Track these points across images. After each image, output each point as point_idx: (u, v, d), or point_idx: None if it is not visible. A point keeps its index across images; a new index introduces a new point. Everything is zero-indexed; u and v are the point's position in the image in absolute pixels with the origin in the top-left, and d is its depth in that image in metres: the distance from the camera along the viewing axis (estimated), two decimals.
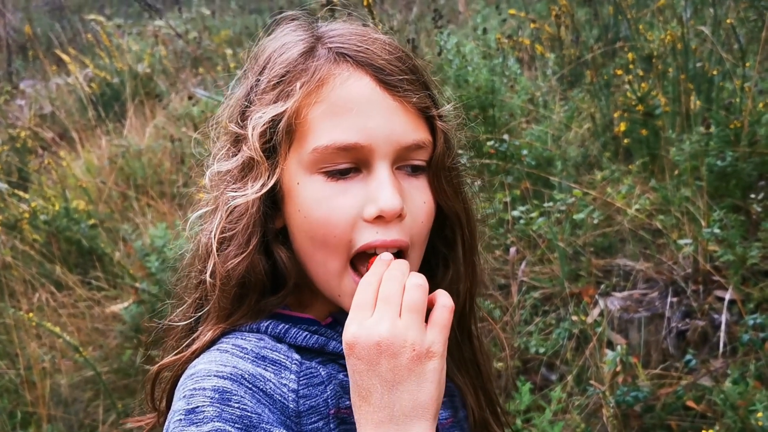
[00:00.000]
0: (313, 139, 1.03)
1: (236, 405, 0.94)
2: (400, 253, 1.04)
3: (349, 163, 1.03)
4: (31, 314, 3.77)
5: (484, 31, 5.38)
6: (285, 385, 1.00)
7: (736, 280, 3.21)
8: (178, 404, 0.95)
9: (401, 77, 1.04)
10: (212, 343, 1.05)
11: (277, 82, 1.06)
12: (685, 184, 3.64)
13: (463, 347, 1.19)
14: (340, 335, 0.96)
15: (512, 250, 3.54)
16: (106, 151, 6.26)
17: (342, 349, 0.96)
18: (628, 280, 3.49)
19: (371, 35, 1.09)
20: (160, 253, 4.13)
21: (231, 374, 0.97)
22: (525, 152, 3.99)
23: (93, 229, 4.92)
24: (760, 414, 2.57)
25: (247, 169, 1.07)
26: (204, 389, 0.95)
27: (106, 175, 5.84)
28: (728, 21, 4.25)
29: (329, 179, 1.03)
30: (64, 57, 7.34)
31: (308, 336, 1.05)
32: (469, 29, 6.52)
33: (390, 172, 1.03)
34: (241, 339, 1.04)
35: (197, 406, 0.93)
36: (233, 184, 1.07)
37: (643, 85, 4.11)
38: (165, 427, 0.96)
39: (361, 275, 1.02)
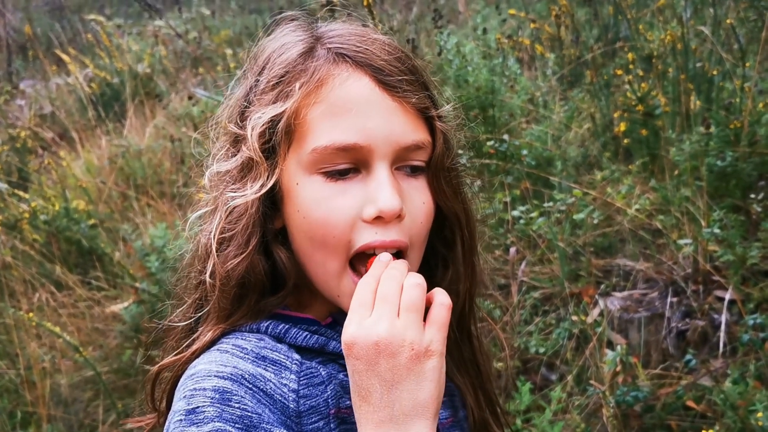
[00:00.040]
0: (313, 140, 1.03)
1: (237, 405, 0.94)
2: (399, 254, 1.04)
3: (349, 164, 1.03)
4: (31, 314, 3.77)
5: (484, 31, 5.38)
6: (285, 385, 1.00)
7: (736, 280, 3.21)
8: (179, 404, 0.95)
9: (400, 78, 1.04)
10: (212, 343, 1.05)
11: (277, 83, 1.06)
12: (685, 184, 3.64)
13: (463, 347, 1.19)
14: (340, 335, 0.96)
15: (512, 250, 3.54)
16: (106, 151, 6.26)
17: (342, 348, 0.96)
18: (628, 280, 3.49)
19: (370, 35, 1.09)
20: (160, 253, 4.13)
21: (231, 374, 0.97)
22: (525, 152, 3.99)
23: (93, 229, 4.92)
24: (760, 414, 2.57)
25: (247, 169, 1.06)
26: (204, 389, 0.95)
27: (106, 175, 5.85)
28: (728, 21, 4.25)
29: (328, 180, 1.03)
30: (64, 57, 7.34)
31: (308, 336, 1.05)
32: (469, 29, 6.52)
33: (389, 172, 1.03)
34: (241, 339, 1.04)
35: (198, 407, 0.93)
36: (232, 184, 1.07)
37: (643, 85, 4.11)
38: (165, 427, 0.96)
39: (360, 275, 1.02)
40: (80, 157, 6.35)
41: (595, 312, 3.31)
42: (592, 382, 2.99)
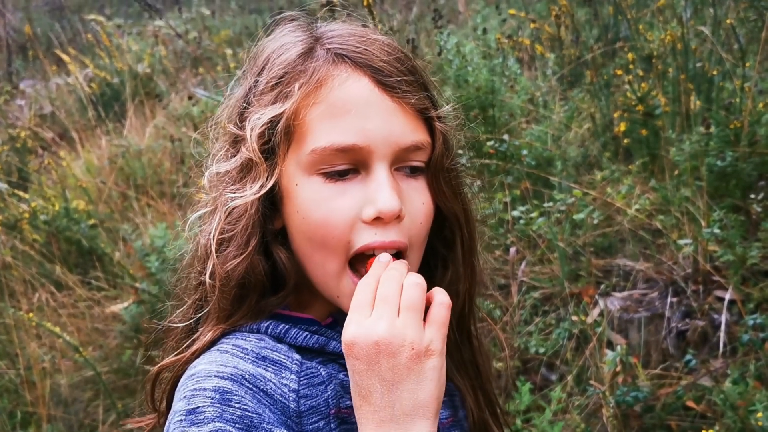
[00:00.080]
0: (312, 141, 1.02)
1: (237, 405, 0.94)
2: (399, 255, 1.04)
3: (348, 165, 1.03)
4: (31, 314, 3.77)
5: (484, 31, 5.38)
6: (285, 385, 1.00)
7: (736, 280, 3.21)
8: (179, 405, 0.95)
9: (400, 78, 1.04)
10: (212, 343, 1.05)
11: (276, 83, 1.06)
12: (685, 184, 3.64)
13: (462, 348, 1.19)
14: (341, 335, 0.96)
15: (512, 250, 3.54)
16: (106, 151, 6.26)
17: (342, 349, 0.96)
18: (628, 280, 3.49)
19: (370, 36, 1.08)
20: (160, 253, 4.13)
21: (231, 374, 0.97)
22: (525, 152, 3.99)
23: (93, 229, 4.92)
24: (760, 414, 2.57)
25: (246, 170, 1.06)
26: (205, 390, 0.95)
27: (106, 175, 5.85)
28: (728, 21, 4.25)
29: (328, 180, 1.03)
30: (64, 57, 7.34)
31: (308, 336, 1.05)
32: (469, 29, 6.52)
33: (388, 173, 1.03)
34: (242, 339, 1.04)
35: (198, 407, 0.93)
36: (232, 185, 1.07)
37: (643, 85, 4.11)
38: (165, 427, 0.96)
39: (360, 276, 1.02)
40: (80, 157, 6.35)
41: (595, 312, 3.31)
42: (592, 382, 2.99)
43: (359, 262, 1.04)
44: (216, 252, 1.06)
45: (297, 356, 1.03)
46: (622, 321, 3.32)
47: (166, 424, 0.96)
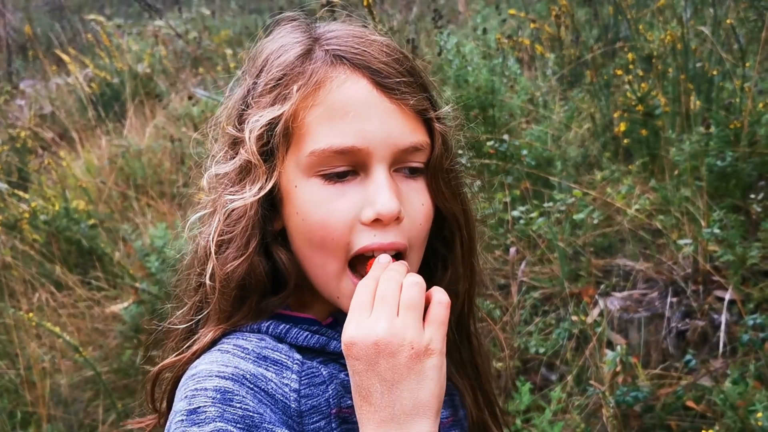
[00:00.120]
0: (311, 143, 1.02)
1: (238, 405, 0.94)
2: (398, 256, 1.04)
3: (347, 166, 1.03)
4: (31, 314, 3.77)
5: (484, 31, 5.38)
6: (286, 384, 1.00)
7: (736, 280, 3.21)
8: (180, 405, 0.95)
9: (399, 79, 1.04)
10: (213, 343, 1.05)
11: (274, 85, 1.06)
12: (685, 184, 3.64)
13: (462, 348, 1.19)
14: (341, 335, 0.96)
15: (512, 250, 3.54)
16: (106, 151, 6.26)
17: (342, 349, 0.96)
18: (628, 280, 3.49)
19: (369, 37, 1.08)
20: (160, 253, 4.13)
21: (232, 374, 0.97)
22: (525, 152, 3.99)
23: (93, 229, 4.92)
24: (759, 414, 2.57)
25: (245, 172, 1.06)
26: (206, 389, 0.95)
27: (106, 175, 5.85)
28: (728, 21, 4.25)
29: (327, 182, 1.03)
30: (64, 57, 7.34)
31: (309, 336, 1.05)
32: (469, 29, 6.52)
33: (387, 175, 1.03)
34: (242, 339, 1.04)
35: (199, 407, 0.93)
36: (231, 187, 1.07)
37: (643, 85, 4.11)
38: (166, 427, 0.96)
39: (360, 277, 1.02)
40: (80, 157, 6.35)
41: (595, 312, 3.31)
42: (591, 382, 2.99)
43: (359, 263, 1.04)
44: (215, 254, 1.06)
45: (298, 356, 1.04)
46: (622, 321, 3.32)
47: (167, 424, 0.96)
